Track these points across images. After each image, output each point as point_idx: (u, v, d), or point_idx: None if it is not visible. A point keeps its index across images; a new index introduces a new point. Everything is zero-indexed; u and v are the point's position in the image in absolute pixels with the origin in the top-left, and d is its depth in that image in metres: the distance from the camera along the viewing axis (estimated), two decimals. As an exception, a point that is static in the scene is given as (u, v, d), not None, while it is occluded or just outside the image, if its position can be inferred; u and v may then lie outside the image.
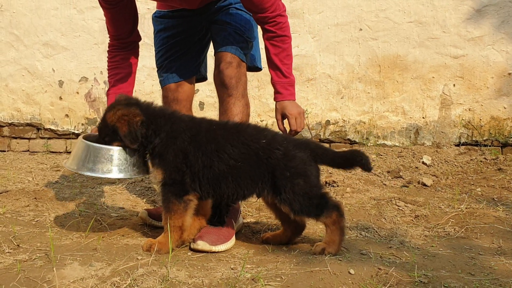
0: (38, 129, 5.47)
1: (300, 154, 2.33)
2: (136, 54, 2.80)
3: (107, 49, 2.77)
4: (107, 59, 2.77)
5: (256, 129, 2.42)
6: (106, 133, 2.36)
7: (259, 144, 2.32)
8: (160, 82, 2.90)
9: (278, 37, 2.59)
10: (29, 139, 5.48)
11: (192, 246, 2.39)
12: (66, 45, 5.35)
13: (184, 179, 2.32)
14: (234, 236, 2.53)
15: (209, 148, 2.32)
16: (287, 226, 2.49)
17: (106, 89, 5.32)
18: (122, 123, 2.29)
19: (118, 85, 2.69)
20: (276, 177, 2.29)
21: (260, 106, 5.14)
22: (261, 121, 5.14)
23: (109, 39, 2.76)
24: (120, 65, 2.71)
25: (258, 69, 2.93)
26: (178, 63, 2.83)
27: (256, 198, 2.45)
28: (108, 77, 2.75)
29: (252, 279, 1.95)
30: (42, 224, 2.75)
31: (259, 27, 2.74)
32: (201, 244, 2.35)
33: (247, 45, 2.76)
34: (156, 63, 2.92)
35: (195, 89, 3.13)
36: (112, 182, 3.87)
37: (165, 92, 2.87)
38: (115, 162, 2.33)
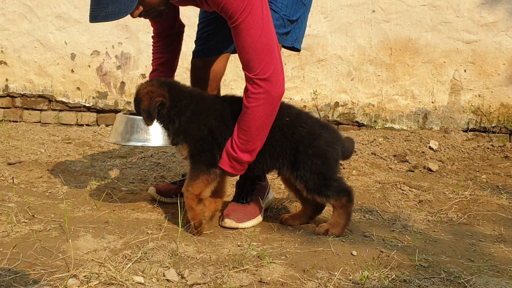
0: (50, 101, 5.53)
1: (326, 134, 2.40)
2: (179, 41, 2.82)
3: (152, 34, 2.83)
4: (152, 43, 2.83)
5: (280, 106, 2.41)
6: (136, 103, 2.49)
7: (282, 121, 2.38)
8: (193, 53, 2.87)
9: (243, 104, 2.30)
10: (40, 110, 5.56)
11: (220, 223, 2.52)
12: (79, 18, 5.37)
13: (212, 149, 2.37)
14: (261, 213, 2.63)
15: (233, 122, 2.36)
16: (308, 205, 2.54)
17: (118, 63, 5.39)
18: (146, 98, 2.40)
19: (159, 69, 2.75)
20: (299, 153, 2.36)
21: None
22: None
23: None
24: (162, 50, 2.77)
25: (298, 50, 2.77)
26: (214, 39, 2.79)
27: (277, 176, 2.55)
28: (152, 60, 2.82)
29: (258, 257, 2.02)
30: (55, 196, 2.84)
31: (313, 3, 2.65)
32: (228, 222, 2.48)
33: (283, 24, 2.59)
34: (196, 34, 2.90)
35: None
36: (123, 156, 3.95)
37: (192, 67, 2.87)
38: (150, 131, 2.43)
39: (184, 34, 2.91)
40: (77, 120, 5.52)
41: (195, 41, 2.85)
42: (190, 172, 2.38)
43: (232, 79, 5.18)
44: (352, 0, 5.04)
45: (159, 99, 2.39)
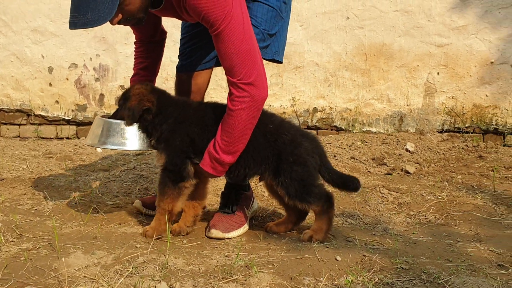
0: (28, 115, 5.50)
1: (306, 144, 2.48)
2: (161, 48, 2.89)
3: (134, 39, 2.88)
4: (134, 48, 2.89)
5: (264, 113, 2.50)
6: (123, 98, 2.56)
7: (266, 128, 2.46)
8: (176, 68, 2.93)
9: (228, 108, 2.37)
10: (19, 125, 5.52)
11: (206, 234, 2.58)
12: (55, 32, 5.36)
13: (185, 165, 2.45)
14: (247, 222, 2.69)
15: (215, 128, 2.43)
16: (291, 212, 2.62)
17: (96, 76, 5.39)
18: (134, 98, 2.48)
19: (140, 73, 2.81)
20: (281, 160, 2.44)
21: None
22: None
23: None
24: (144, 55, 2.83)
25: (279, 62, 2.83)
26: (198, 54, 2.85)
27: (258, 181, 2.63)
28: (133, 65, 2.88)
29: (246, 266, 2.08)
30: (41, 213, 2.85)
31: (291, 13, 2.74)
32: (214, 233, 2.53)
33: (263, 38, 2.65)
34: (179, 48, 2.95)
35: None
36: (105, 169, 3.96)
37: (177, 81, 2.93)
38: (126, 135, 2.49)
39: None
40: (57, 133, 5.50)
41: (178, 56, 2.91)
42: (159, 187, 2.50)
43: (211, 88, 5.23)
44: (327, 8, 5.15)
45: (147, 104, 2.47)
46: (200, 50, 2.89)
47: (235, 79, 2.31)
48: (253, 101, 2.33)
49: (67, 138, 5.46)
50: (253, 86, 2.32)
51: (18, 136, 5.50)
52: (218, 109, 2.51)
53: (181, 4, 2.35)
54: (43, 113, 5.47)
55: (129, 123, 2.49)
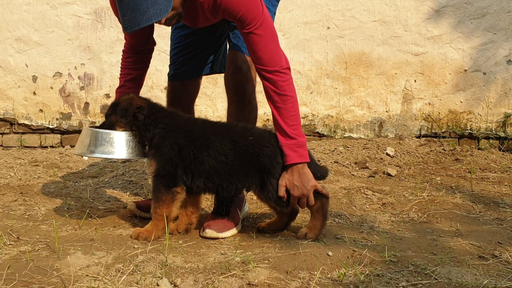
0: (12, 124, 5.48)
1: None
2: (148, 58, 2.93)
3: (123, 48, 2.90)
4: (121, 57, 2.91)
5: (244, 127, 2.60)
6: (111, 108, 2.63)
7: (247, 141, 2.52)
8: (169, 76, 3.01)
9: (278, 95, 2.48)
10: (2, 134, 5.49)
11: (201, 234, 2.64)
12: (39, 41, 5.37)
13: (176, 171, 2.50)
14: (239, 223, 2.77)
15: (199, 143, 2.51)
16: (283, 213, 2.68)
17: (81, 84, 5.42)
18: (126, 102, 2.57)
19: (127, 85, 2.85)
20: (268, 173, 2.49)
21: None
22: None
23: (124, 41, 2.91)
24: (132, 66, 2.86)
25: None
26: (191, 63, 2.94)
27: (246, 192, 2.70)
28: (120, 75, 2.91)
29: (243, 262, 2.17)
30: (34, 218, 2.88)
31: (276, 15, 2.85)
32: (209, 232, 2.60)
33: None
34: (170, 58, 3.02)
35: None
36: (94, 176, 4.00)
37: (170, 88, 3.01)
38: (115, 144, 2.57)
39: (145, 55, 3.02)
40: (41, 142, 5.49)
41: (170, 65, 3.00)
42: (153, 195, 2.55)
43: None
44: (308, 18, 5.31)
45: (139, 103, 2.57)
46: (193, 59, 2.99)
47: (276, 67, 2.45)
48: (292, 79, 2.53)
49: (52, 146, 5.46)
50: (288, 68, 2.53)
51: (1, 145, 5.47)
52: (206, 123, 2.63)
53: (210, 7, 2.44)
54: (26, 122, 5.46)
55: (122, 120, 2.56)
